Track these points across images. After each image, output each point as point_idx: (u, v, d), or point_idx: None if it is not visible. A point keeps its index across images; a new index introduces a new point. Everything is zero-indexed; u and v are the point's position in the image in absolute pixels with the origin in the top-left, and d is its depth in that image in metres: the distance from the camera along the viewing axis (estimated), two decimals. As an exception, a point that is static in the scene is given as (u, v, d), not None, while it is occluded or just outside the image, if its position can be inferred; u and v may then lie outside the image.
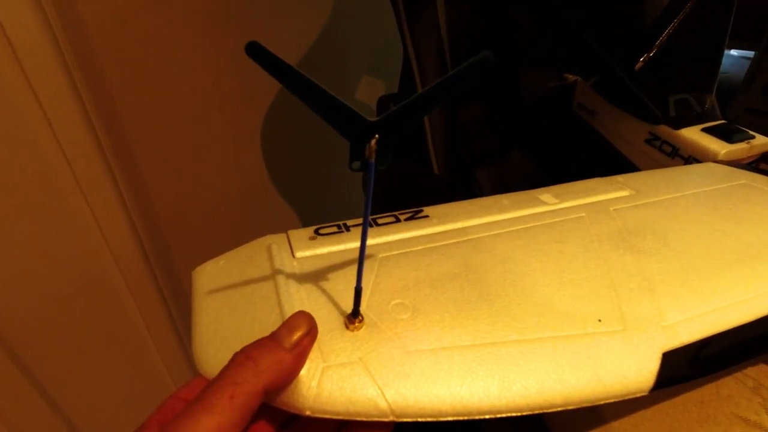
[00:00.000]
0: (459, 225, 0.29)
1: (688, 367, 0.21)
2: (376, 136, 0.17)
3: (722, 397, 0.37)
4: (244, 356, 0.19)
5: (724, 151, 0.40)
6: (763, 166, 0.39)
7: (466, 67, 0.17)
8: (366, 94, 0.90)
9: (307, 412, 0.19)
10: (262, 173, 0.79)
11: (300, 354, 0.19)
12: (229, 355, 0.21)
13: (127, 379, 0.72)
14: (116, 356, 0.69)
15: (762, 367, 0.38)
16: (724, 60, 0.50)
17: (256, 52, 0.15)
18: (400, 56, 0.56)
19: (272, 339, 0.19)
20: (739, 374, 0.38)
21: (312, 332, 0.20)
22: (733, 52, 1.37)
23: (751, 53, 1.24)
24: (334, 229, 0.28)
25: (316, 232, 0.28)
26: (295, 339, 0.19)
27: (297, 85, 0.16)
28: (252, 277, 0.24)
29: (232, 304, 0.23)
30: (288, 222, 0.88)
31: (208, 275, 0.26)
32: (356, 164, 0.18)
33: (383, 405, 0.19)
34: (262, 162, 0.77)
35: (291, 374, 0.19)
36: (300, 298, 0.22)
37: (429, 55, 0.52)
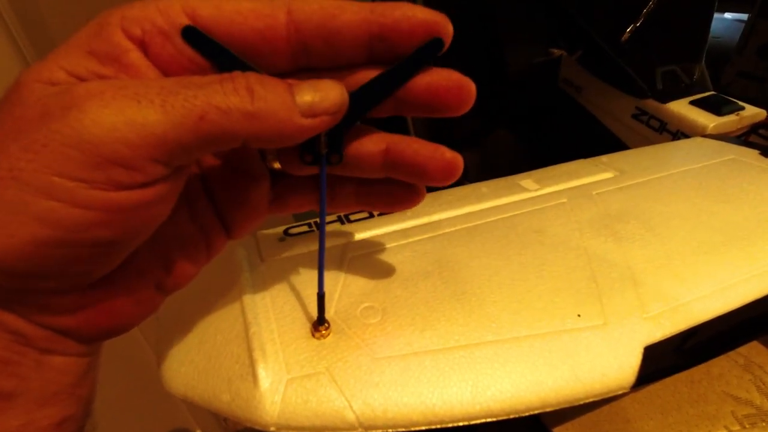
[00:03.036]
0: (435, 218, 0.28)
1: (672, 359, 0.21)
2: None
3: (713, 376, 0.37)
4: (245, 82, 0.14)
5: (712, 125, 0.39)
6: (753, 138, 0.38)
7: (414, 54, 0.15)
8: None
9: (272, 429, 0.18)
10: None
11: (307, 126, 0.14)
12: (192, 370, 0.21)
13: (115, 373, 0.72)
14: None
15: (753, 344, 0.38)
16: (718, 24, 0.48)
17: (194, 37, 0.14)
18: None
19: (286, 86, 0.14)
20: (730, 353, 0.38)
21: (337, 114, 0.15)
22: (727, 15, 1.34)
23: (744, 16, 1.21)
24: (305, 228, 0.27)
25: (286, 232, 0.27)
26: (314, 101, 0.14)
27: (236, 69, 0.14)
28: (217, 285, 0.23)
29: (197, 314, 0.22)
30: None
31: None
32: (308, 158, 0.16)
33: (351, 417, 0.18)
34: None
35: (280, 137, 0.14)
36: (264, 306, 0.21)
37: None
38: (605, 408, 0.36)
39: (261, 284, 0.23)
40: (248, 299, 0.22)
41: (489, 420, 0.18)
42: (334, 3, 0.15)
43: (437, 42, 0.15)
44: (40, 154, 0.12)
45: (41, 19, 0.49)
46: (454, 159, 0.18)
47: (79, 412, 0.16)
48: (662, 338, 0.20)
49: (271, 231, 0.27)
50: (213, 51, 0.14)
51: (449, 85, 0.16)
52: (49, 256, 0.13)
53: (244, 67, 0.14)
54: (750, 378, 0.36)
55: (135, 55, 0.14)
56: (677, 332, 0.21)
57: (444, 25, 0.15)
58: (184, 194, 0.17)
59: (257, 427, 0.18)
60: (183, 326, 0.22)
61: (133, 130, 0.12)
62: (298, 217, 0.28)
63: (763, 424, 0.33)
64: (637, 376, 0.19)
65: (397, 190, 0.19)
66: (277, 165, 0.19)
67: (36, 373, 0.14)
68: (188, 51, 0.15)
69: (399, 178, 0.18)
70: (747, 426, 0.34)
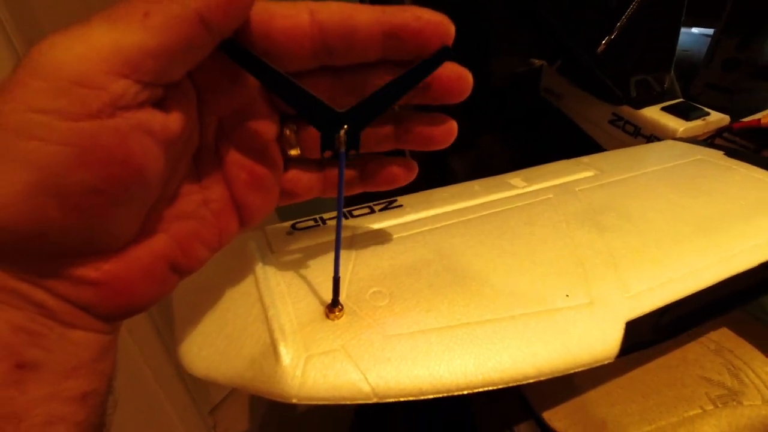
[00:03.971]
0: (432, 212, 0.30)
1: (650, 333, 0.23)
2: (345, 126, 0.17)
3: (688, 361, 0.39)
4: None
5: (682, 129, 0.42)
6: (718, 141, 0.41)
7: (426, 60, 0.17)
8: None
9: (294, 400, 0.19)
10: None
11: None
12: (213, 353, 0.22)
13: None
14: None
15: (723, 330, 0.41)
16: (687, 38, 0.51)
17: (231, 49, 0.16)
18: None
19: None
20: (703, 338, 0.40)
21: None
22: (694, 29, 1.41)
23: (710, 31, 1.27)
24: (311, 223, 0.29)
25: (293, 227, 0.28)
26: None
27: (271, 79, 0.16)
28: (231, 274, 0.25)
29: (213, 302, 0.24)
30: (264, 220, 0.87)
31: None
32: (327, 154, 0.18)
33: (366, 388, 0.19)
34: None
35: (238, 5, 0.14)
36: (280, 291, 0.23)
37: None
38: (591, 393, 0.38)
39: (274, 272, 0.24)
40: (264, 286, 0.23)
41: (490, 388, 0.20)
42: (350, 5, 0.17)
43: (446, 50, 0.17)
44: (14, 93, 0.12)
45: (35, 20, 0.49)
46: (452, 125, 0.20)
47: (101, 388, 0.17)
48: (641, 314, 0.23)
49: (278, 225, 0.29)
50: (250, 63, 0.16)
51: (452, 75, 0.19)
52: (45, 208, 0.13)
53: (284, 81, 0.16)
54: (721, 362, 0.39)
55: None
56: (654, 309, 0.23)
57: (447, 25, 0.17)
58: (200, 176, 0.18)
59: (280, 400, 0.20)
60: (200, 314, 0.23)
61: (88, 45, 0.12)
62: (283, 217, 0.30)
63: (734, 403, 0.36)
64: (620, 348, 0.22)
65: (395, 168, 0.22)
66: (294, 152, 0.20)
67: (59, 346, 0.15)
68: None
69: (405, 147, 0.21)
70: (719, 405, 0.36)
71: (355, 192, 0.23)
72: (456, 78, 0.19)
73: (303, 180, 0.22)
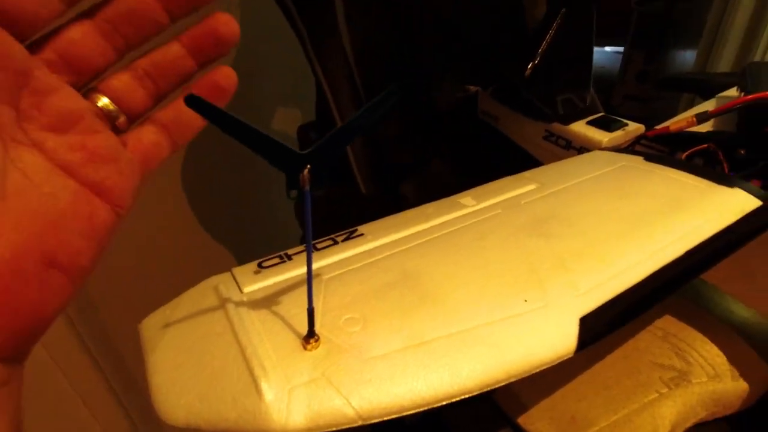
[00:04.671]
0: (392, 238, 0.31)
1: (602, 326, 0.25)
2: (308, 166, 0.19)
3: (641, 350, 0.42)
4: None
5: (606, 140, 0.47)
6: (637, 147, 0.46)
7: (379, 98, 0.19)
8: (282, 123, 0.91)
9: (281, 435, 0.20)
10: (188, 218, 0.76)
11: None
12: (192, 399, 0.22)
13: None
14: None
15: (667, 317, 0.45)
16: (602, 56, 0.57)
17: (194, 103, 0.17)
18: (312, 84, 0.58)
19: None
20: (650, 327, 0.44)
21: None
22: (607, 48, 1.54)
23: (621, 49, 1.40)
24: (277, 260, 0.29)
25: (260, 265, 0.29)
26: None
27: (234, 128, 0.18)
28: (203, 318, 0.25)
29: (188, 348, 0.24)
30: (223, 263, 0.86)
31: (156, 325, 0.26)
32: (293, 193, 0.19)
33: (351, 412, 0.20)
34: (187, 207, 0.75)
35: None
36: (255, 329, 0.23)
37: (340, 81, 0.55)
38: (559, 392, 0.40)
39: (247, 311, 0.25)
40: (238, 325, 0.24)
41: (467, 396, 0.22)
42: None
43: (395, 91, 0.19)
44: None
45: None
46: (228, 17, 0.22)
47: None
48: (592, 309, 0.25)
49: (245, 266, 0.29)
50: (213, 114, 0.17)
51: (221, 22, 0.21)
52: None
53: (246, 128, 0.18)
54: (669, 346, 0.42)
55: None
56: (603, 303, 0.25)
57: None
58: (26, 171, 0.18)
59: (266, 437, 0.20)
60: (175, 363, 0.23)
61: None
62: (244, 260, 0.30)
63: (685, 382, 0.39)
64: (577, 343, 0.24)
65: (215, 77, 0.23)
66: (121, 119, 0.22)
67: None
68: None
69: (208, 57, 0.23)
70: (672, 387, 0.39)
71: (165, 154, 0.24)
72: (225, 20, 0.21)
73: (147, 141, 0.22)
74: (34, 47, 0.19)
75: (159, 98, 0.23)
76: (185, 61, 0.22)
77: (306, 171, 0.19)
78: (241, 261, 0.30)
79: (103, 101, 0.21)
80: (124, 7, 0.20)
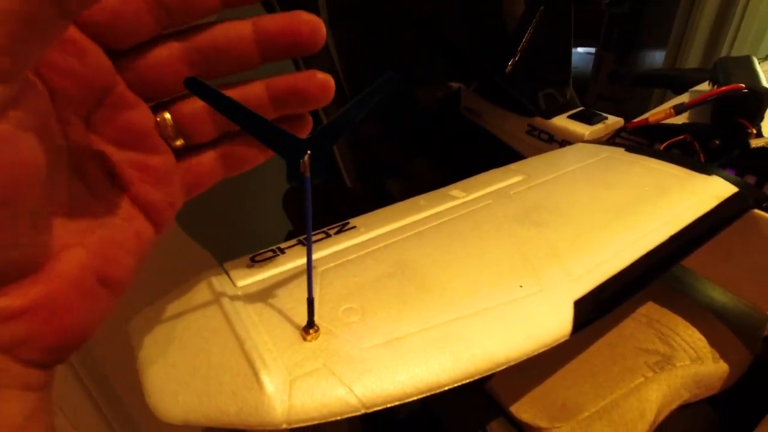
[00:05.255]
0: (385, 229, 0.31)
1: (595, 309, 0.26)
2: (308, 152, 0.18)
3: (626, 337, 0.43)
4: None
5: (587, 133, 0.48)
6: (618, 140, 0.47)
7: (378, 83, 0.19)
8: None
9: (284, 426, 0.19)
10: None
11: None
12: (190, 396, 0.21)
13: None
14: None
15: (650, 304, 0.46)
16: (574, 57, 0.59)
17: (194, 85, 0.16)
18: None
19: None
20: (634, 314, 0.45)
21: None
22: (579, 49, 1.58)
23: (593, 49, 1.44)
24: (270, 254, 0.29)
25: (252, 259, 0.28)
26: None
27: (234, 112, 0.17)
28: (196, 313, 0.24)
29: (182, 344, 0.23)
30: (204, 263, 0.84)
31: (146, 323, 0.25)
32: (293, 182, 0.19)
33: (354, 401, 0.20)
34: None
35: None
36: (253, 322, 0.23)
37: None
38: (549, 381, 0.41)
39: (243, 305, 0.24)
40: (235, 319, 0.23)
41: (469, 381, 0.22)
42: None
43: (393, 77, 0.19)
44: None
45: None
46: (327, 78, 0.21)
47: None
48: (585, 293, 0.25)
49: (237, 260, 0.28)
50: (213, 98, 0.17)
51: (315, 84, 0.21)
52: None
53: (244, 111, 0.17)
54: (653, 332, 0.43)
55: None
56: (594, 287, 0.26)
57: None
58: (87, 184, 0.17)
59: (270, 428, 0.19)
60: (170, 360, 0.23)
61: None
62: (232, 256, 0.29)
63: (669, 366, 0.40)
64: (573, 325, 0.24)
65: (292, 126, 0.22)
66: (179, 142, 0.21)
67: None
68: None
69: (286, 111, 0.21)
70: (657, 371, 0.41)
71: (217, 180, 0.23)
72: (320, 84, 0.20)
73: (203, 166, 0.22)
74: (117, 60, 0.18)
75: (225, 133, 0.22)
76: (265, 107, 0.21)
77: (306, 157, 0.19)
78: (225, 260, 0.29)
79: (166, 121, 0.20)
80: (221, 41, 0.19)
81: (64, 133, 0.17)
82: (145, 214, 0.20)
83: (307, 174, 0.19)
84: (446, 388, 0.21)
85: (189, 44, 0.19)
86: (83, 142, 0.18)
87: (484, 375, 0.22)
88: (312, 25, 0.19)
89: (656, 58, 1.18)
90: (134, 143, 0.19)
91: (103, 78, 0.17)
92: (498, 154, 0.57)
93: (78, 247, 0.16)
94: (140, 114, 0.19)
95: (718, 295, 0.45)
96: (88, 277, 0.16)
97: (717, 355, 0.41)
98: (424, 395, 0.21)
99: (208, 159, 0.22)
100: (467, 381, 0.22)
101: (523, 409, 0.38)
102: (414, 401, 0.21)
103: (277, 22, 0.19)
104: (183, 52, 0.19)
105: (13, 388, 0.14)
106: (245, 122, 0.18)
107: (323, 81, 0.21)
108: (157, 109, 0.20)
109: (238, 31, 0.19)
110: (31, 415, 0.14)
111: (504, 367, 0.22)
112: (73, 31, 0.16)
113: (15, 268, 0.14)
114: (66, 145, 0.17)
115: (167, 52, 0.19)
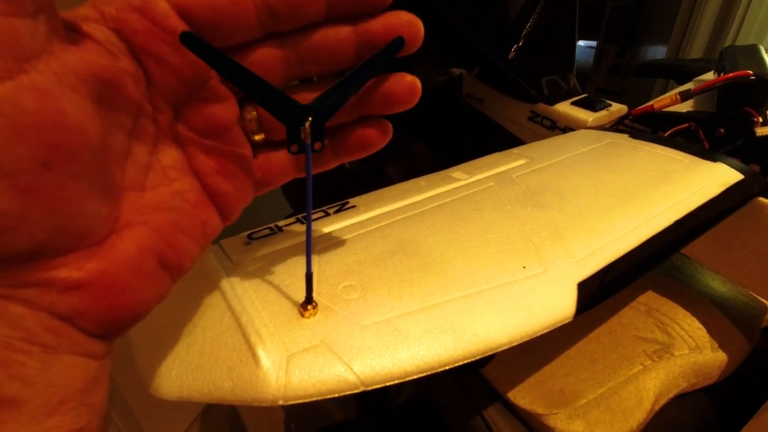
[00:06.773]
0: (385, 209, 0.30)
1: (598, 291, 0.25)
2: (310, 118, 0.18)
3: (624, 325, 0.43)
4: None
5: (591, 119, 0.47)
6: (621, 127, 0.47)
7: (383, 50, 0.18)
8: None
9: (280, 402, 0.19)
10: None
11: None
12: (185, 371, 0.21)
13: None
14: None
15: (649, 293, 0.45)
16: (575, 49, 0.58)
17: (190, 41, 0.15)
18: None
19: None
20: (633, 303, 0.45)
21: None
22: (580, 42, 1.58)
23: (594, 42, 1.43)
24: (267, 231, 0.28)
25: (249, 237, 0.28)
26: None
27: (234, 72, 0.16)
28: (192, 289, 0.24)
29: (177, 320, 0.22)
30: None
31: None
32: (294, 147, 0.18)
33: (352, 378, 0.19)
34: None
35: None
36: (249, 298, 0.22)
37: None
38: (547, 368, 0.41)
39: (240, 281, 0.23)
40: (231, 294, 0.22)
41: (470, 360, 0.21)
42: None
43: (400, 41, 0.18)
44: None
45: None
46: (414, 81, 0.20)
47: (92, 426, 0.14)
48: (589, 275, 0.25)
49: (234, 237, 0.28)
50: (211, 56, 0.16)
51: (403, 88, 0.20)
52: None
53: (245, 72, 0.16)
54: (652, 321, 0.43)
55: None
56: (599, 270, 0.25)
57: None
58: (164, 166, 0.18)
59: (266, 404, 0.19)
60: (164, 335, 0.22)
61: None
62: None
63: (667, 355, 0.40)
64: (576, 307, 0.24)
65: (367, 131, 0.21)
66: (259, 137, 0.20)
67: (42, 377, 0.13)
68: (164, 22, 0.16)
69: (370, 112, 0.21)
70: (656, 359, 0.40)
71: (331, 166, 0.22)
72: (408, 89, 0.20)
73: (275, 164, 0.21)
74: None
75: None
76: (347, 105, 0.20)
77: (308, 124, 0.18)
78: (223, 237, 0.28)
79: (252, 116, 0.20)
80: (321, 44, 0.19)
81: (153, 118, 0.17)
82: (215, 204, 0.20)
83: (308, 141, 0.18)
84: (447, 368, 0.21)
85: (287, 45, 0.19)
86: (167, 128, 0.18)
87: (486, 355, 0.21)
88: (411, 24, 0.19)
89: (657, 52, 1.18)
90: (216, 134, 0.19)
91: (198, 72, 0.17)
92: (499, 141, 0.57)
93: (142, 226, 0.16)
94: (227, 107, 0.19)
95: (717, 284, 0.45)
96: (148, 257, 0.16)
97: (716, 345, 0.40)
98: (424, 374, 0.20)
99: (281, 158, 0.21)
100: (469, 360, 0.21)
101: (520, 395, 0.38)
102: (411, 383, 0.21)
103: (379, 22, 0.19)
104: (280, 52, 0.19)
105: (75, 354, 0.14)
106: (246, 84, 0.17)
107: (411, 84, 0.20)
108: (244, 102, 0.20)
109: (337, 33, 0.19)
110: (91, 381, 0.14)
111: (506, 347, 0.22)
112: (177, 25, 0.16)
113: (70, 235, 0.14)
114: (152, 128, 0.17)
115: (264, 52, 0.19)
